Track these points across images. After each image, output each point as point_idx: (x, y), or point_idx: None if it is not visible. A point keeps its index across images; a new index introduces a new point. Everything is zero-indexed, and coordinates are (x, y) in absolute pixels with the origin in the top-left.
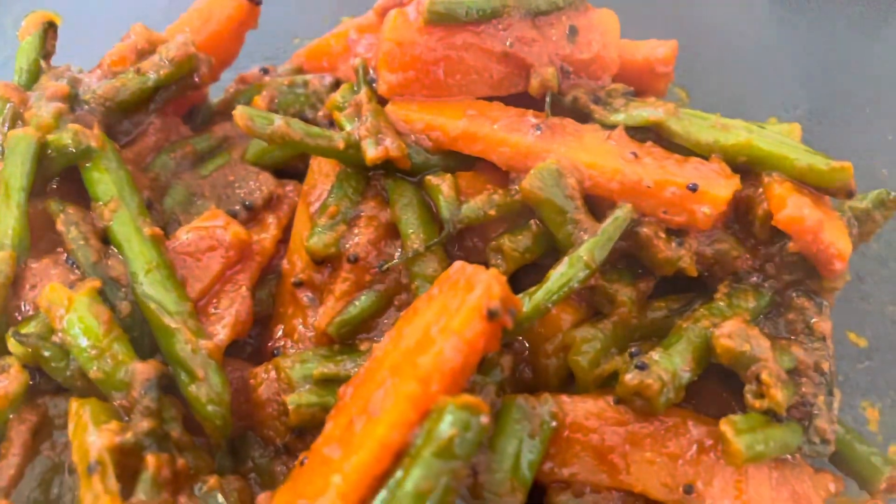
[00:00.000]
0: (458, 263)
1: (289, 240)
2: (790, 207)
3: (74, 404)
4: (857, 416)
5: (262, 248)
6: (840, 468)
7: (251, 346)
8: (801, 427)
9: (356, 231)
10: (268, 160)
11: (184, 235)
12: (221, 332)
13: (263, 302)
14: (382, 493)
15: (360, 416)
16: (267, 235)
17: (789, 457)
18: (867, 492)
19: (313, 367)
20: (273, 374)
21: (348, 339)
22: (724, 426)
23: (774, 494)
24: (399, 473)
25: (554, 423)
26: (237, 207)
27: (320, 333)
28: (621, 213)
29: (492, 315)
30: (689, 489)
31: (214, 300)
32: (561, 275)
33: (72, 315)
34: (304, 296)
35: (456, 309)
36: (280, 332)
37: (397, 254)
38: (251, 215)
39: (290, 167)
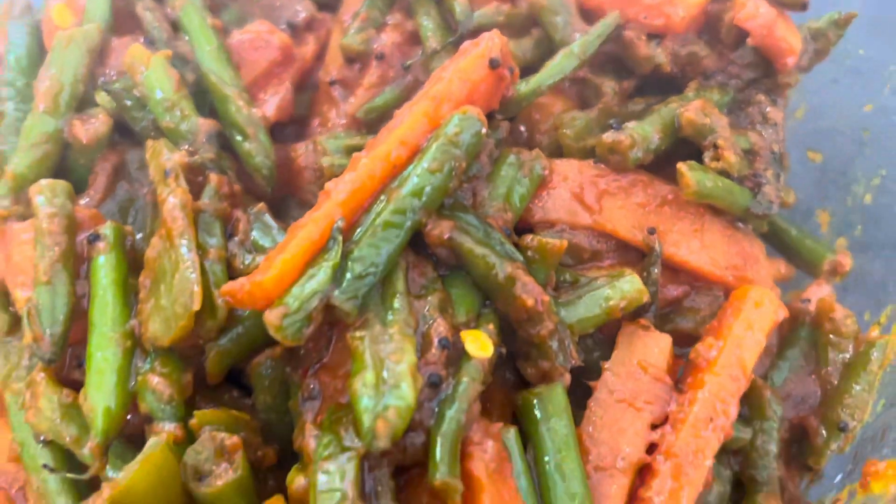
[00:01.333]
0: (467, 42)
1: (325, 56)
2: (749, 6)
3: (150, 142)
4: (812, 223)
5: (302, 56)
6: (792, 261)
7: (291, 141)
8: (751, 193)
9: (383, 36)
10: None
11: (237, 36)
12: (269, 110)
13: (303, 105)
14: (403, 173)
15: (383, 134)
16: (307, 49)
17: (741, 225)
18: (813, 275)
19: (344, 140)
20: (311, 147)
21: (373, 126)
22: (680, 165)
23: (725, 248)
24: (415, 161)
25: (544, 172)
26: (283, 26)
27: (350, 119)
28: (609, 19)
29: (493, 63)
30: (651, 231)
31: (262, 90)
32: (555, 64)
33: (150, 72)
34: (338, 92)
35: (463, 59)
36: (317, 123)
37: (419, 55)
38: (294, 33)
39: (328, 3)
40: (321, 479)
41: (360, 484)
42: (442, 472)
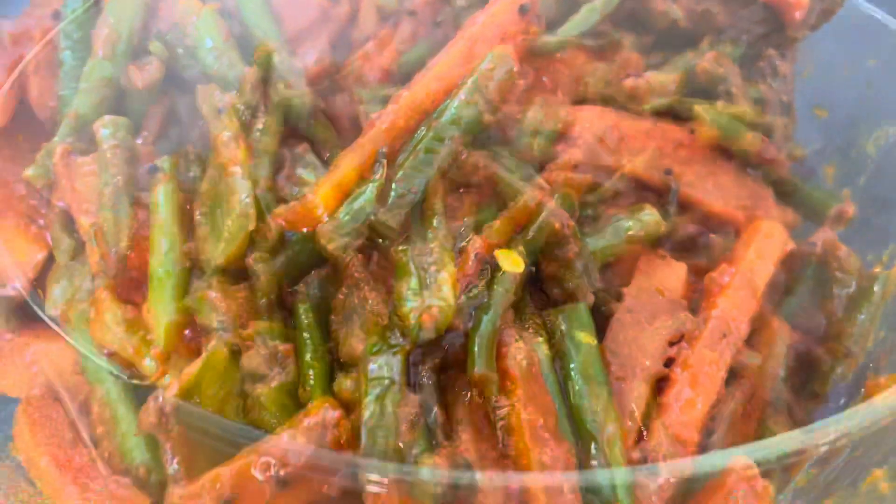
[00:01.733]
0: None
1: (358, 16)
2: None
3: (200, 87)
4: (819, 178)
5: (337, 16)
6: (798, 210)
7: (328, 95)
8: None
9: None
10: None
11: None
12: (308, 62)
13: (338, 63)
14: (441, 106)
15: (421, 74)
16: (341, 9)
17: (752, 171)
18: (818, 223)
19: (379, 91)
20: (347, 97)
21: (406, 79)
22: (696, 106)
23: (737, 190)
24: (452, 95)
25: (568, 116)
26: None
27: (384, 72)
28: None
29: (523, 9)
30: (668, 171)
31: (301, 46)
32: (579, 18)
33: (200, 21)
34: (371, 48)
35: (495, 6)
36: (351, 78)
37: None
38: None
39: None
40: (371, 367)
41: (406, 376)
42: (480, 366)
